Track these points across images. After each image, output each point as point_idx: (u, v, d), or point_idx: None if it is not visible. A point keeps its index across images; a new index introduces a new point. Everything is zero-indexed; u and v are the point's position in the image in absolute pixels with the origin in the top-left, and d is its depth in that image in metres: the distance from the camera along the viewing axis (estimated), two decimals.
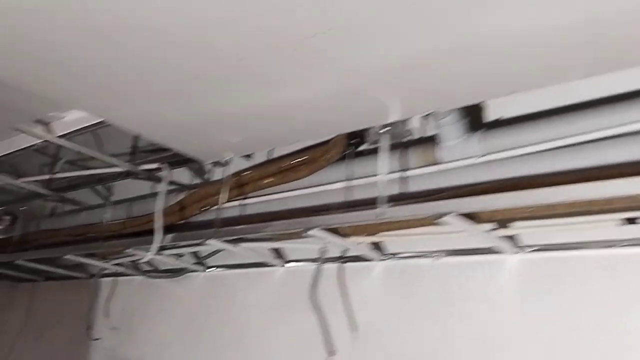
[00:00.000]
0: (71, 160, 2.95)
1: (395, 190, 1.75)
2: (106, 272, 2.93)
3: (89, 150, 2.17)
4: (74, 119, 2.07)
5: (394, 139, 1.80)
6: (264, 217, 2.08)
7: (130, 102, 1.70)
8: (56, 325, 3.20)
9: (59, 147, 2.86)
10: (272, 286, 2.28)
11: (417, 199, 1.64)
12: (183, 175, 2.59)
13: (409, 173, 1.78)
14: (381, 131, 1.73)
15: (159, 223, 2.17)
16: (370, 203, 1.76)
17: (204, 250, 2.52)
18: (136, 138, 2.58)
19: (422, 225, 1.71)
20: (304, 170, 2.03)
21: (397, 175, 1.78)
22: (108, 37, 1.36)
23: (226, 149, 1.99)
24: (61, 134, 2.10)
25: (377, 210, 1.60)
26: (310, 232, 1.74)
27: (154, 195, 2.67)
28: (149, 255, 2.17)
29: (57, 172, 2.62)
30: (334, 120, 1.69)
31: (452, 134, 1.71)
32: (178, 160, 2.44)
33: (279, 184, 2.12)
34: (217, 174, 2.58)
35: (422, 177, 1.75)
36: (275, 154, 2.28)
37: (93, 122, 2.05)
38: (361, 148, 2.01)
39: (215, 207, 2.22)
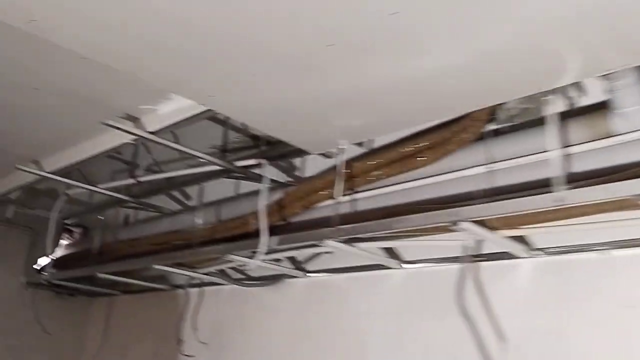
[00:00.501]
0: (147, 165, 2.78)
1: (559, 170, 1.45)
2: (191, 282, 2.71)
3: (186, 147, 1.94)
4: (167, 112, 1.86)
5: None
6: (385, 212, 1.81)
7: (241, 83, 1.47)
8: (139, 341, 3.01)
9: (136, 151, 2.69)
10: (390, 291, 2.01)
11: (598, 179, 1.34)
12: (269, 173, 2.35)
13: (575, 149, 1.48)
14: (544, 99, 1.44)
15: (264, 223, 1.93)
16: (529, 188, 1.48)
17: (301, 254, 2.27)
18: (225, 135, 2.36)
19: (601, 211, 1.41)
20: (429, 156, 1.76)
21: (559, 152, 1.48)
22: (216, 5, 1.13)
23: (342, 136, 1.74)
24: (152, 130, 1.89)
25: (554, 195, 1.31)
26: (460, 226, 1.46)
27: (242, 196, 2.47)
28: (256, 261, 1.93)
29: (139, 176, 2.42)
30: (485, 89, 1.41)
31: (630, 98, 1.40)
32: (267, 156, 2.22)
33: (396, 174, 1.86)
34: (309, 169, 2.34)
35: (593, 153, 1.45)
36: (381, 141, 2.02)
37: (187, 116, 1.84)
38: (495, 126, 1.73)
39: (324, 203, 1.97)
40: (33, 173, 2.31)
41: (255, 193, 2.39)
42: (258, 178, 2.11)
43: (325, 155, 1.95)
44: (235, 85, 1.48)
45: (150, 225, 2.83)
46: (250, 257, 2.05)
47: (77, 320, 3.31)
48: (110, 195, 2.59)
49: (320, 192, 2.00)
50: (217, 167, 2.23)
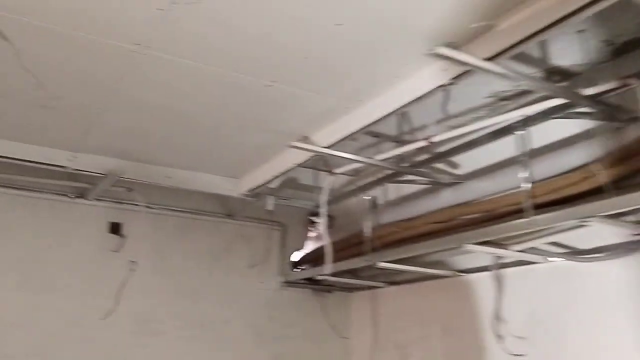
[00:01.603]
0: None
1: None
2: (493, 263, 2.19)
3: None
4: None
5: None
6: None
7: None
8: (422, 338, 2.58)
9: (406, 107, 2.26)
10: None
11: None
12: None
13: None
14: None
15: None
16: None
17: None
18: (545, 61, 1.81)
19: None
20: None
21: None
22: None
23: None
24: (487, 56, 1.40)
25: None
26: None
27: (557, 146, 1.90)
28: None
29: (431, 137, 1.96)
30: None
31: None
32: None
33: None
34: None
35: None
36: None
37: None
38: None
39: None
40: (311, 151, 1.97)
41: (582, 136, 1.83)
42: (615, 111, 1.54)
43: None
44: None
45: (425, 201, 2.38)
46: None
47: (340, 318, 2.98)
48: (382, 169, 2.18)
49: None
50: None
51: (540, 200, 1.83)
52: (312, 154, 2.04)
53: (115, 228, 2.60)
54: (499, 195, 2.02)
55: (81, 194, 2.55)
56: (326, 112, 1.88)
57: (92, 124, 2.03)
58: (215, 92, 1.71)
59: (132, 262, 2.48)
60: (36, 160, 2.23)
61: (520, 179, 1.98)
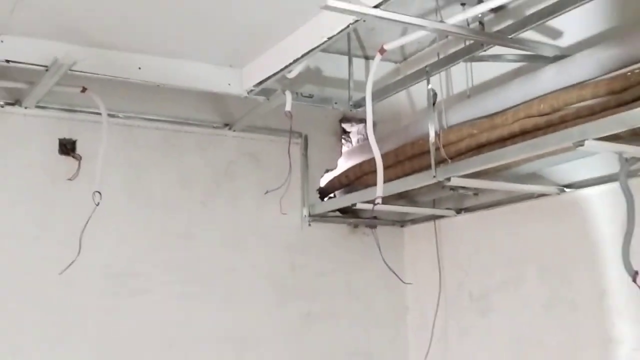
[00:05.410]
0: None
1: None
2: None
3: None
4: None
5: None
6: None
7: None
8: (516, 283, 2.46)
9: None
10: None
11: None
12: None
13: None
14: None
15: None
16: None
17: None
18: None
19: None
20: None
21: None
22: None
23: None
24: None
25: None
26: None
27: None
28: None
29: None
30: None
31: None
32: None
33: None
34: None
35: None
36: None
37: None
38: None
39: None
40: (353, 12, 1.73)
41: None
42: None
43: None
44: None
45: (512, 90, 2.18)
46: None
47: (390, 262, 2.76)
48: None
49: None
50: None
51: None
52: (352, 18, 1.80)
53: (67, 147, 2.46)
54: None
55: (16, 100, 2.39)
56: None
57: None
58: None
59: (97, 193, 2.30)
60: None
61: None
